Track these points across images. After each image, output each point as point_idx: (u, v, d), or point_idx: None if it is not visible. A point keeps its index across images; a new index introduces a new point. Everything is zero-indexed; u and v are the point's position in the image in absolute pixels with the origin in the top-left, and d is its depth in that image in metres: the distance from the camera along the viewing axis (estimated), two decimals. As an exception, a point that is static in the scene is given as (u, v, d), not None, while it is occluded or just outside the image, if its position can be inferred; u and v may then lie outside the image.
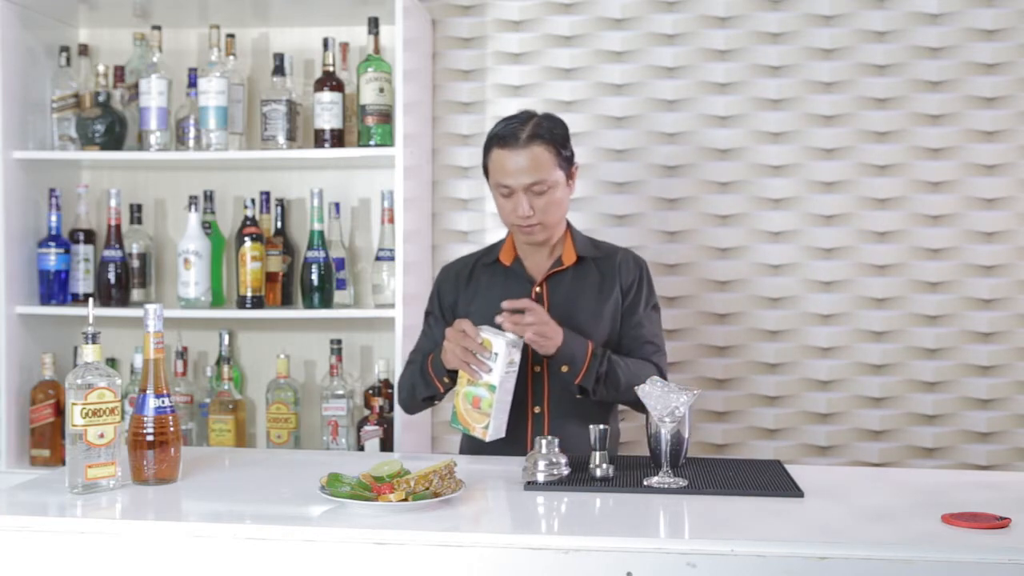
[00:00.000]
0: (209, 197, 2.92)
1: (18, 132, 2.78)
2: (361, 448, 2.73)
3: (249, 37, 3.02)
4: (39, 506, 1.72)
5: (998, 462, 2.90)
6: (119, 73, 2.91)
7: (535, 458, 1.82)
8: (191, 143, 2.86)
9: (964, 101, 2.89)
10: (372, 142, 2.74)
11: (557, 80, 2.99)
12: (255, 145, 2.88)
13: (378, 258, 2.82)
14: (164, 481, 1.80)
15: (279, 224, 2.92)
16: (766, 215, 2.94)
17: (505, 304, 2.03)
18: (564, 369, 2.10)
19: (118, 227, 2.86)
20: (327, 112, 2.76)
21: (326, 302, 2.78)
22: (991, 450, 2.90)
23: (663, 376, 2.16)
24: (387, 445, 2.71)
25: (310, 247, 2.78)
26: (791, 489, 1.77)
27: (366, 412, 2.79)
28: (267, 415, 2.84)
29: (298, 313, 2.78)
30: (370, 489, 1.66)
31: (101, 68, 2.84)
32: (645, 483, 1.80)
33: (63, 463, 2.03)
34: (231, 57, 2.85)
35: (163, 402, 1.81)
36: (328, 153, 2.75)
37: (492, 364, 1.98)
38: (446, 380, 2.12)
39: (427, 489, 1.66)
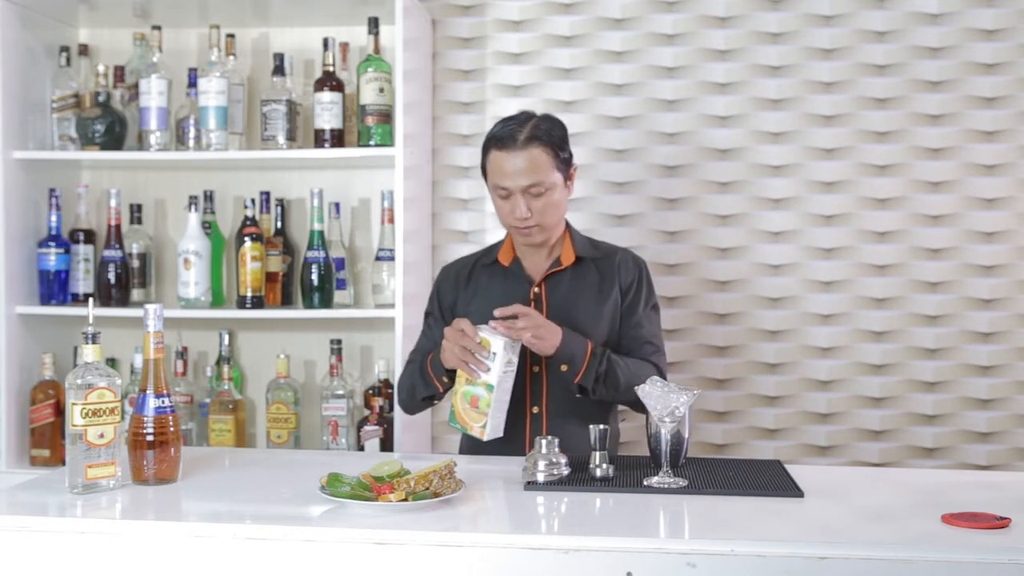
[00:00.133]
0: (209, 197, 2.92)
1: (18, 132, 2.78)
2: (361, 448, 2.73)
3: (249, 37, 3.02)
4: (39, 506, 1.72)
5: (998, 462, 2.90)
6: (119, 73, 2.91)
7: (535, 458, 1.82)
8: (191, 143, 2.86)
9: (964, 101, 2.89)
10: (372, 142, 2.74)
11: (557, 80, 2.99)
12: (255, 145, 2.88)
13: (378, 258, 2.82)
14: (164, 481, 1.80)
15: (279, 224, 2.92)
16: (766, 215, 2.94)
17: (496, 312, 2.03)
18: (563, 368, 2.10)
19: (118, 227, 2.86)
20: (327, 112, 2.76)
21: (326, 302, 2.78)
22: (991, 450, 2.90)
23: (662, 376, 2.16)
24: (387, 445, 2.71)
25: (310, 247, 2.78)
26: (791, 489, 1.77)
27: (366, 412, 2.79)
28: (267, 415, 2.84)
29: (298, 313, 2.78)
30: (370, 489, 1.66)
31: (101, 68, 2.84)
32: (645, 483, 1.80)
33: (63, 463, 2.03)
34: (231, 57, 2.85)
35: (163, 402, 1.81)
36: (328, 153, 2.75)
37: (490, 363, 1.98)
38: (445, 380, 2.12)
39: (427, 489, 1.66)
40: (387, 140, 2.74)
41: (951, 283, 2.90)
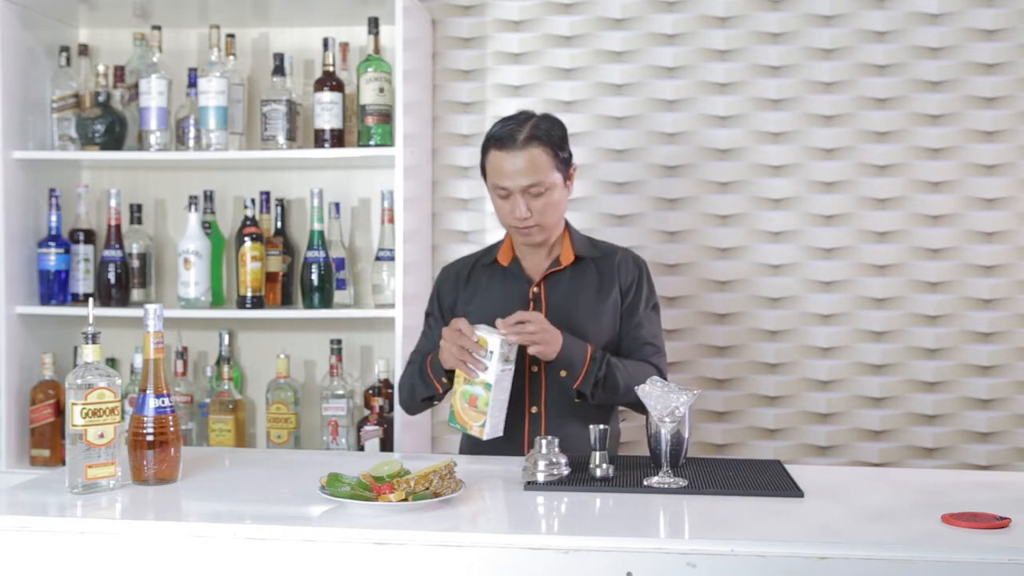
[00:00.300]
0: (209, 197, 2.92)
1: (18, 132, 2.78)
2: (361, 448, 2.73)
3: (249, 37, 3.02)
4: (39, 506, 1.72)
5: (998, 462, 2.90)
6: (119, 73, 2.91)
7: (535, 458, 1.82)
8: (191, 143, 2.86)
9: (964, 101, 2.89)
10: (372, 142, 2.74)
11: (557, 80, 2.99)
12: (255, 145, 2.88)
13: (378, 258, 2.82)
14: (164, 481, 1.80)
15: (279, 224, 2.92)
16: (766, 215, 2.94)
17: (499, 323, 2.01)
18: (563, 374, 2.10)
19: (118, 227, 2.86)
20: (327, 112, 2.76)
21: (326, 302, 2.78)
22: (991, 450, 2.90)
23: (662, 377, 2.15)
24: (387, 445, 2.71)
25: (310, 247, 2.78)
26: (791, 489, 1.77)
27: (366, 412, 2.79)
28: (267, 415, 2.84)
29: (298, 313, 2.78)
30: (370, 489, 1.66)
31: (101, 68, 2.84)
32: (645, 483, 1.80)
33: (63, 463, 2.03)
34: (231, 57, 2.85)
35: (163, 402, 1.81)
36: (328, 153, 2.75)
37: (488, 362, 1.98)
38: (444, 380, 2.12)
39: (427, 489, 1.66)
40: (387, 140, 2.74)
41: (951, 283, 2.90)
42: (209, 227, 2.89)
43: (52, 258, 2.82)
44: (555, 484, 1.79)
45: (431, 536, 1.52)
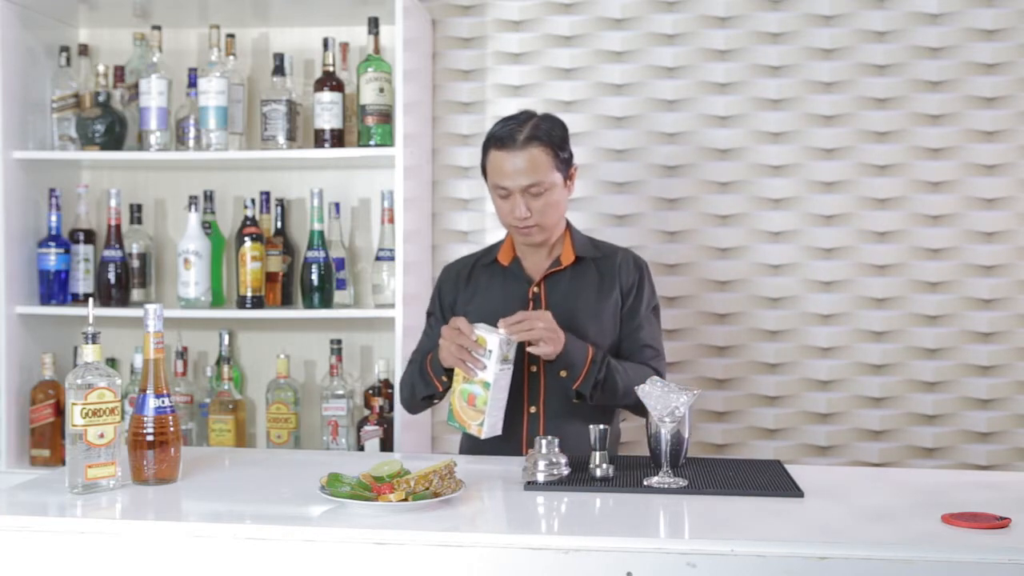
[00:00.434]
0: (209, 197, 2.92)
1: (18, 132, 2.78)
2: (361, 448, 2.73)
3: (249, 37, 3.02)
4: (39, 506, 1.72)
5: (998, 462, 2.90)
6: (119, 73, 2.91)
7: (535, 458, 1.82)
8: (191, 143, 2.86)
9: (964, 101, 2.89)
10: (372, 142, 2.74)
11: (557, 80, 2.99)
12: (255, 145, 2.88)
13: (378, 258, 2.82)
14: (164, 481, 1.80)
15: (279, 224, 2.92)
16: (766, 215, 2.94)
17: (501, 323, 2.00)
18: (563, 374, 2.10)
19: (118, 227, 2.86)
20: (327, 112, 2.76)
21: (326, 302, 2.78)
22: (991, 450, 2.90)
23: (662, 379, 2.15)
24: (387, 445, 2.71)
25: (310, 247, 2.78)
26: (791, 489, 1.77)
27: (366, 412, 2.79)
28: (267, 415, 2.84)
29: (298, 313, 2.78)
30: (370, 489, 1.66)
31: (101, 68, 2.84)
32: (645, 483, 1.80)
33: (63, 463, 2.03)
34: (231, 57, 2.85)
35: (163, 402, 1.81)
36: (328, 153, 2.75)
37: (487, 361, 1.98)
38: (444, 379, 2.11)
39: (427, 489, 1.66)
40: (387, 140, 2.74)
41: (951, 283, 2.90)
42: (209, 227, 2.89)
43: (52, 258, 2.82)
44: (555, 484, 1.79)
45: (431, 536, 1.52)
